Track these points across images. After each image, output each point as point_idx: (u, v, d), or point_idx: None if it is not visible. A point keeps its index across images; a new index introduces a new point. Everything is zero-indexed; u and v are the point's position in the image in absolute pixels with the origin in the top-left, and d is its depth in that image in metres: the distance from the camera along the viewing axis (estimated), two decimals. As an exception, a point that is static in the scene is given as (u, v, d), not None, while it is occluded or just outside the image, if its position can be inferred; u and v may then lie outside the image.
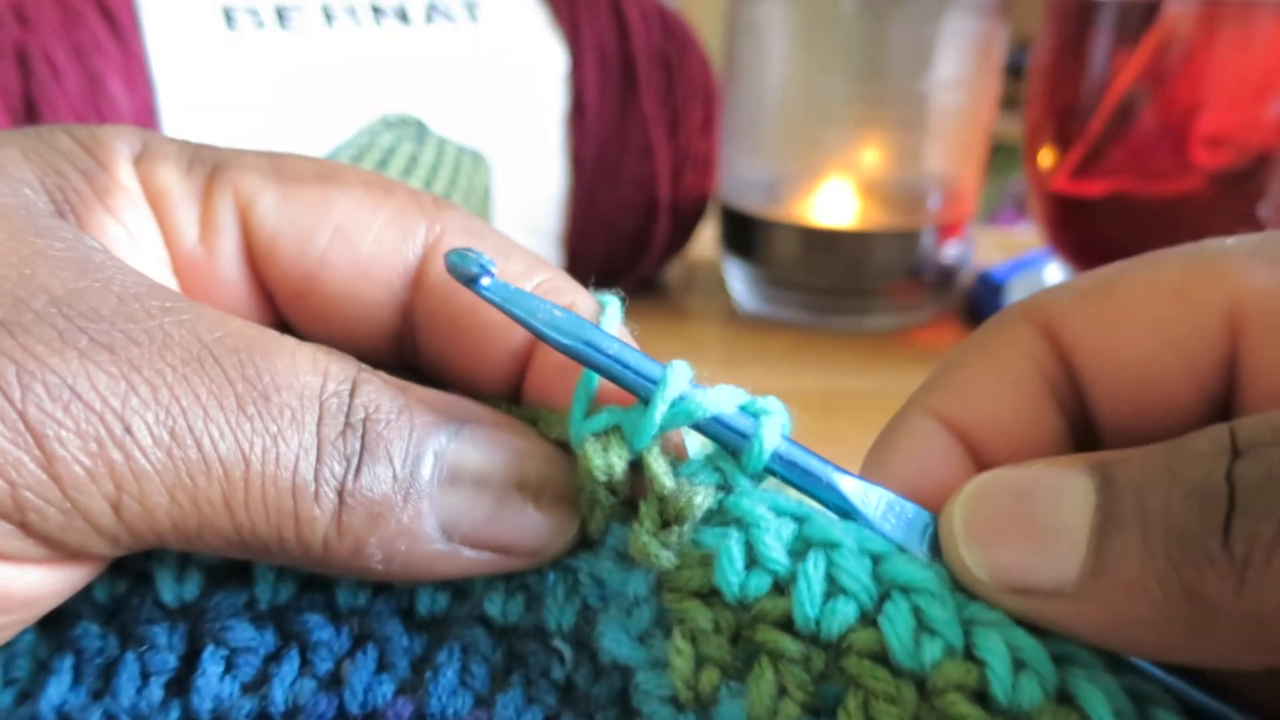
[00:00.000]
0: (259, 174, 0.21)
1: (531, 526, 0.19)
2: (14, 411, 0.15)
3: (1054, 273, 0.59)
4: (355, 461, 0.17)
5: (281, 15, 0.48)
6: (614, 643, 0.19)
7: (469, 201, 0.50)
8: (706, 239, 0.63)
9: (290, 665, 0.19)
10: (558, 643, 0.19)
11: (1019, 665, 0.16)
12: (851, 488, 0.19)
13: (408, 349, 0.22)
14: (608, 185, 0.55)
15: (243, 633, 0.19)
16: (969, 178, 0.57)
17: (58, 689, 0.19)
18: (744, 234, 0.58)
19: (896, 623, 0.16)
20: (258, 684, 0.19)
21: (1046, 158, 0.55)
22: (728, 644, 0.18)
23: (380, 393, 0.18)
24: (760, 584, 0.17)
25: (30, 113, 0.43)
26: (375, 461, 0.18)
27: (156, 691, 0.19)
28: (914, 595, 0.17)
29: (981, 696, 0.16)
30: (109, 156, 0.20)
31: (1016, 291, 0.58)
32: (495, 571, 0.19)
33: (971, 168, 0.57)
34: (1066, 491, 0.16)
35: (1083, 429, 0.20)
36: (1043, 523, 0.16)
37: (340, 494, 0.17)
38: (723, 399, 0.19)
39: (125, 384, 0.16)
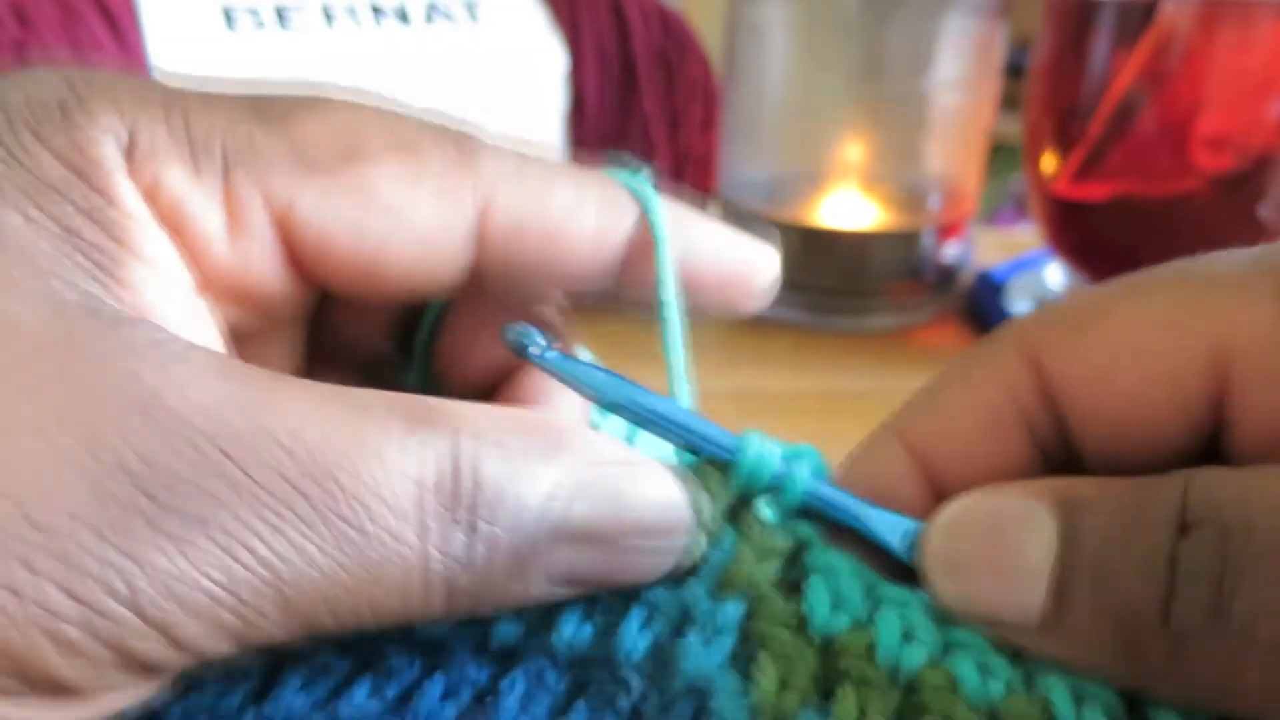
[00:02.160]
0: (283, 168, 0.19)
1: (640, 565, 0.19)
2: (136, 618, 0.15)
3: (1054, 273, 0.59)
4: (464, 552, 0.17)
5: (281, 15, 0.48)
6: (696, 664, 0.19)
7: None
8: (706, 239, 0.63)
9: (361, 690, 0.19)
10: (626, 672, 0.20)
11: (1079, 699, 0.17)
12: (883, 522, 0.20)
13: (479, 290, 0.22)
14: (608, 185, 0.55)
15: (323, 655, 0.20)
16: (969, 178, 0.57)
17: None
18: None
19: (962, 665, 0.18)
20: (327, 700, 0.19)
21: (1047, 159, 0.55)
22: (810, 672, 0.19)
23: (486, 462, 0.17)
24: (841, 622, 0.19)
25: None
26: (484, 547, 0.17)
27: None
28: (971, 650, 0.18)
29: None
30: (105, 178, 0.18)
31: (1016, 291, 0.58)
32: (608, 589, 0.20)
33: (971, 168, 0.57)
34: (1032, 532, 0.17)
35: (1060, 459, 0.20)
36: (1008, 561, 0.17)
37: (449, 584, 0.17)
38: (800, 467, 0.21)
39: (228, 557, 0.16)
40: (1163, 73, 0.49)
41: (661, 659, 0.19)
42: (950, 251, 0.57)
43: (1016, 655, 0.18)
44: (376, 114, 0.21)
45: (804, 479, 0.21)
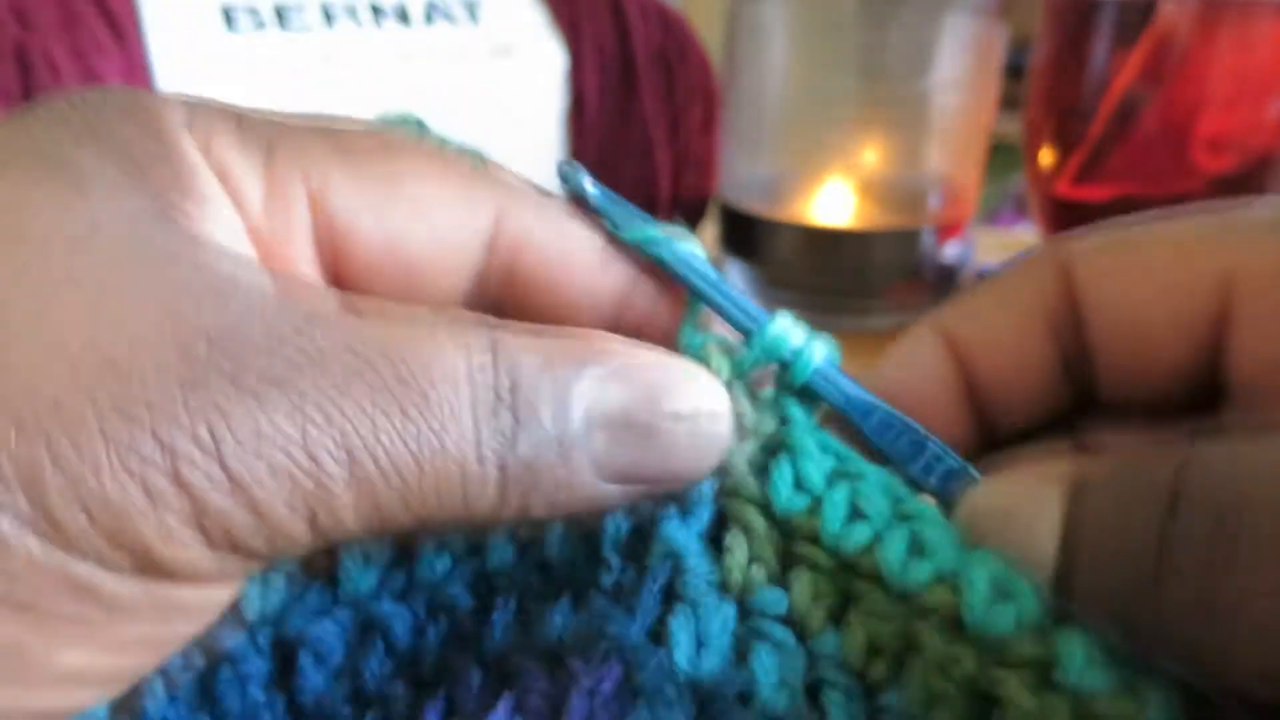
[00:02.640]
0: (323, 153, 0.21)
1: (685, 453, 0.20)
2: (218, 468, 0.16)
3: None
4: (510, 432, 0.18)
5: (281, 15, 0.48)
6: (673, 531, 0.20)
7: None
8: (706, 239, 0.63)
9: (375, 651, 0.21)
10: (607, 552, 0.21)
11: (999, 595, 0.17)
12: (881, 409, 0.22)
13: (487, 309, 0.22)
14: (608, 185, 0.55)
15: (327, 633, 0.21)
16: (969, 178, 0.57)
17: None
18: (744, 234, 0.58)
19: (890, 546, 0.18)
20: (347, 672, 0.21)
21: (1047, 159, 0.55)
22: (773, 550, 0.20)
23: (520, 351, 0.19)
24: (800, 503, 0.20)
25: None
26: (528, 427, 0.18)
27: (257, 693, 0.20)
28: (916, 524, 0.19)
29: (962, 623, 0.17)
30: (172, 133, 0.20)
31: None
32: (650, 497, 0.20)
33: (971, 168, 0.57)
34: (1039, 520, 0.18)
35: (1077, 359, 0.22)
36: (1018, 548, 0.18)
37: (502, 469, 0.18)
38: (798, 334, 0.22)
39: (301, 415, 0.17)
40: (1162, 73, 0.49)
41: (643, 535, 0.21)
42: (950, 251, 0.57)
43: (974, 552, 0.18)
44: (416, 139, 0.23)
45: (816, 360, 0.22)
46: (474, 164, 0.23)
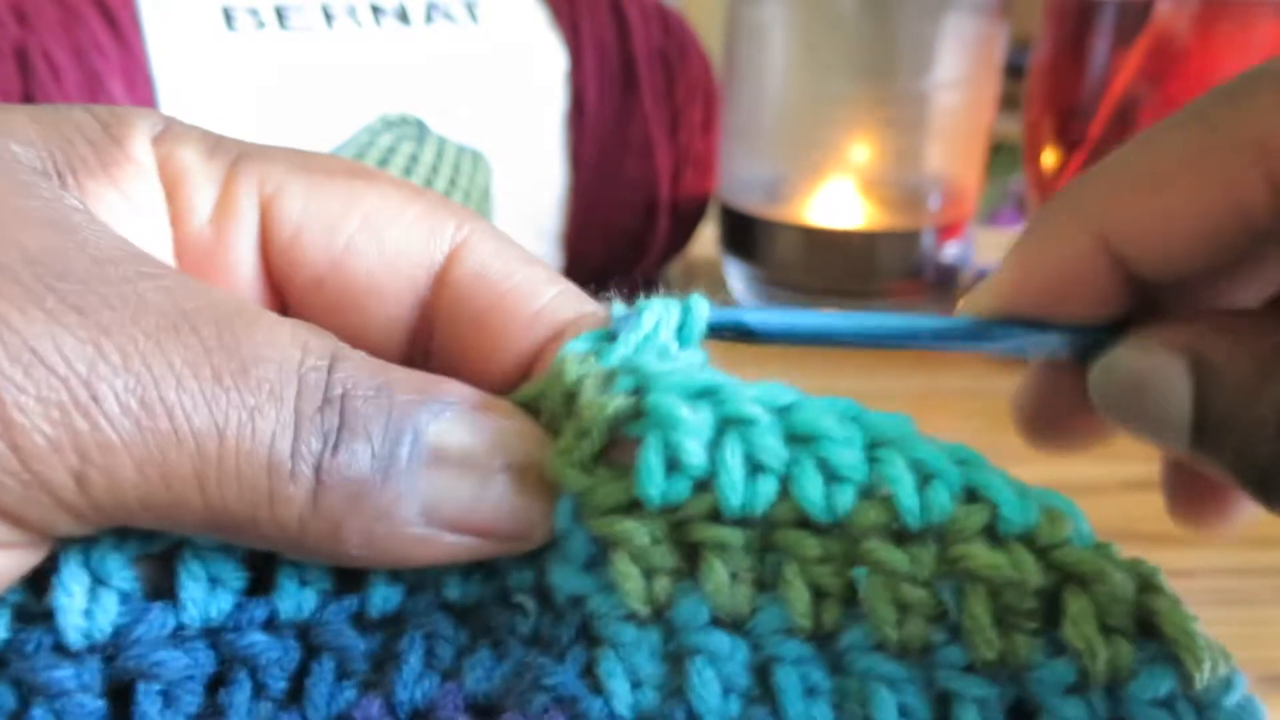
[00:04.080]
0: (286, 165, 0.20)
1: (516, 510, 0.18)
2: None
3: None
4: (333, 439, 0.17)
5: (281, 15, 0.48)
6: (561, 578, 0.19)
7: (469, 201, 0.50)
8: (706, 239, 0.63)
9: (241, 691, 0.18)
10: (519, 598, 0.19)
11: (924, 480, 0.17)
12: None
13: (420, 347, 0.21)
14: (608, 185, 0.55)
15: (175, 662, 0.18)
16: (969, 178, 0.57)
17: None
18: (744, 234, 0.58)
19: (804, 484, 0.17)
20: (210, 716, 0.18)
21: (1047, 159, 0.55)
22: (669, 550, 0.18)
23: (360, 369, 0.18)
24: (682, 488, 0.17)
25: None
26: (354, 439, 0.17)
27: None
28: (817, 446, 0.17)
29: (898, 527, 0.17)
30: (124, 131, 0.19)
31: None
32: (477, 557, 0.19)
33: (971, 168, 0.57)
34: (1170, 393, 0.19)
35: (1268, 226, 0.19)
36: (1152, 418, 0.19)
37: (317, 471, 0.17)
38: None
39: (93, 348, 0.15)
40: (1161, 73, 0.49)
41: (542, 580, 0.19)
42: (950, 251, 0.57)
43: (875, 434, 0.18)
44: (397, 176, 0.23)
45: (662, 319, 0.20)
46: (449, 200, 0.22)
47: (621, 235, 0.57)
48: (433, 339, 0.21)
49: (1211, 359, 0.18)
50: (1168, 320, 0.20)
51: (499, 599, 0.19)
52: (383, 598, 0.19)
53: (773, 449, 0.17)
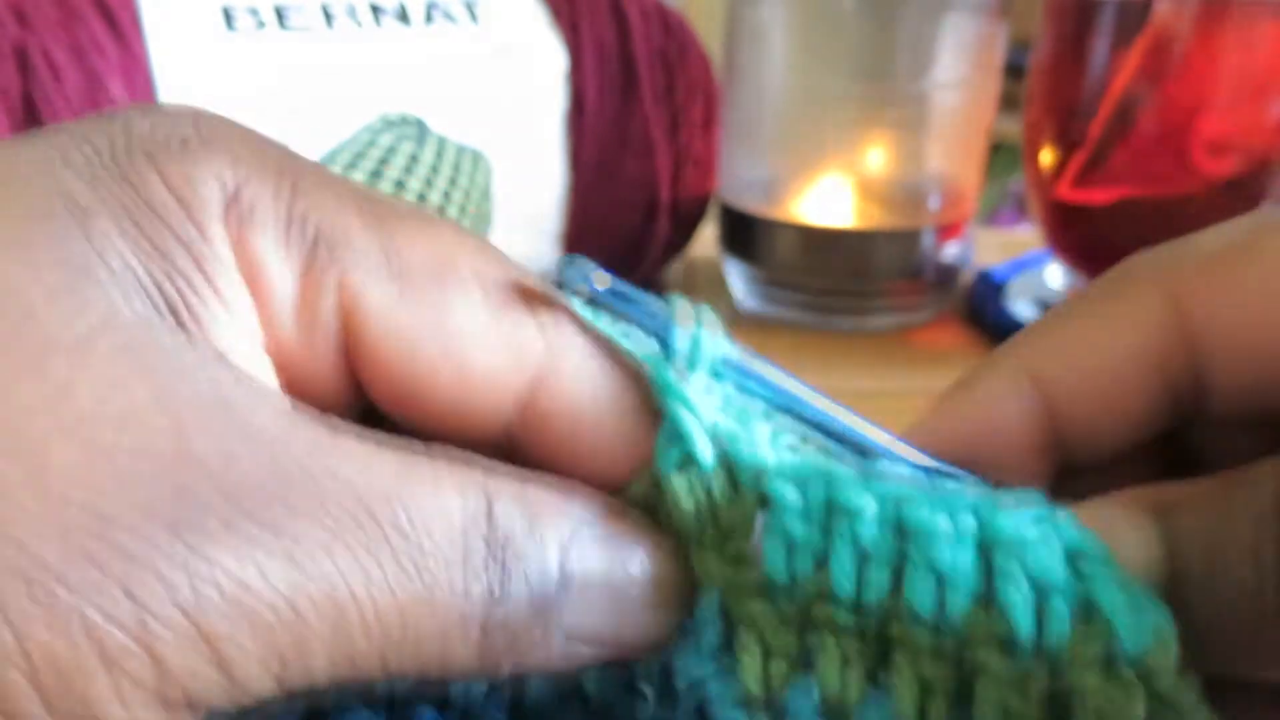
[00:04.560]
0: (368, 261, 0.19)
1: (651, 624, 0.19)
2: (190, 625, 0.15)
3: (1054, 273, 0.59)
4: (496, 590, 0.18)
5: (281, 15, 0.48)
6: (686, 664, 0.19)
7: (469, 201, 0.50)
8: (706, 239, 0.63)
9: None
10: (642, 685, 0.20)
11: (1040, 596, 0.16)
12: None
13: (511, 457, 0.21)
14: (608, 185, 0.55)
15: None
16: (969, 178, 0.57)
17: None
18: (744, 234, 0.58)
19: (915, 585, 0.17)
20: None
21: (1047, 159, 0.55)
22: (793, 632, 0.18)
23: (511, 506, 0.18)
24: (805, 564, 0.18)
25: (30, 113, 0.43)
26: (513, 584, 0.18)
27: None
28: (928, 544, 0.17)
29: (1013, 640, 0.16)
30: (204, 213, 0.18)
31: (1017, 291, 0.58)
32: (612, 660, 0.20)
33: (971, 168, 0.57)
34: (1135, 537, 0.17)
35: (1185, 391, 0.19)
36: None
37: (484, 628, 0.17)
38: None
39: (292, 566, 0.15)
40: (1160, 74, 0.49)
41: (665, 665, 0.20)
42: (950, 251, 0.57)
43: (992, 532, 0.16)
44: (478, 244, 0.21)
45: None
46: (536, 303, 0.20)
47: (621, 235, 0.57)
48: (518, 453, 0.21)
49: (1165, 497, 0.17)
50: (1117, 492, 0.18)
51: (625, 687, 0.20)
52: (536, 689, 0.21)
53: (881, 541, 0.17)
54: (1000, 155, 0.63)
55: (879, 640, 0.18)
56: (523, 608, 0.18)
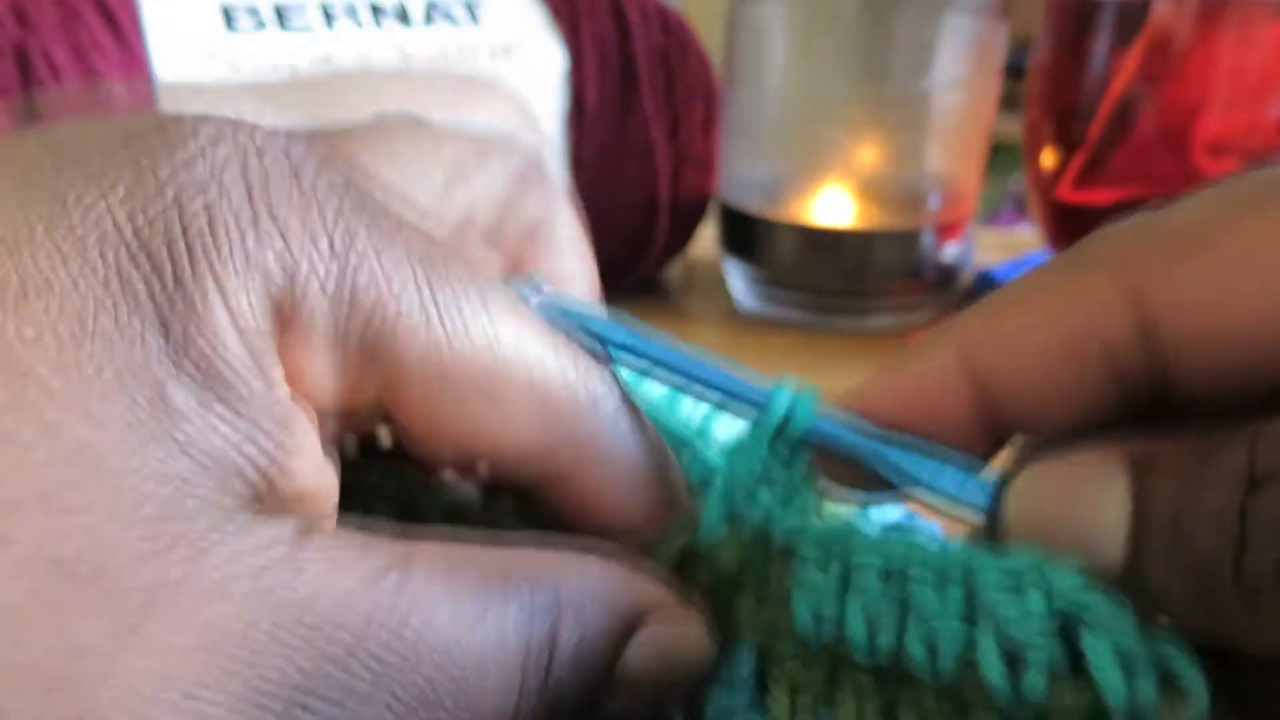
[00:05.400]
0: (411, 359, 0.18)
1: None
2: None
3: (1054, 273, 0.59)
4: (547, 702, 0.18)
5: (281, 15, 0.48)
6: (718, 695, 0.20)
7: (469, 201, 0.50)
8: (706, 239, 0.63)
9: None
10: (672, 710, 0.20)
11: (1128, 666, 0.16)
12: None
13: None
14: (608, 185, 0.55)
15: None
16: (969, 178, 0.57)
17: None
18: (744, 234, 0.58)
19: (912, 641, 0.18)
20: None
21: (1048, 161, 0.55)
22: (819, 671, 0.19)
23: (572, 635, 0.18)
24: (828, 613, 0.19)
25: (30, 113, 0.43)
26: (557, 695, 0.18)
27: None
28: (922, 610, 0.18)
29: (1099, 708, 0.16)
30: (262, 353, 0.16)
31: (1016, 292, 0.58)
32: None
33: (971, 168, 0.57)
34: (1106, 492, 0.17)
35: (1149, 400, 0.18)
36: (1085, 523, 0.17)
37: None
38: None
39: None
40: (1159, 74, 0.49)
41: (693, 695, 0.20)
42: (950, 251, 0.57)
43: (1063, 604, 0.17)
44: (531, 323, 0.20)
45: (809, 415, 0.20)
46: (559, 393, 0.20)
47: (621, 235, 0.57)
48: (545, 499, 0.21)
49: (1149, 465, 0.17)
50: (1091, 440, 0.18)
51: (652, 713, 0.21)
52: None
53: (884, 600, 0.18)
54: (1000, 155, 0.63)
55: (893, 680, 0.18)
56: (564, 707, 0.18)
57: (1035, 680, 0.17)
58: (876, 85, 0.54)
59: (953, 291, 0.59)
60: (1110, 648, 0.16)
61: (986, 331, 0.19)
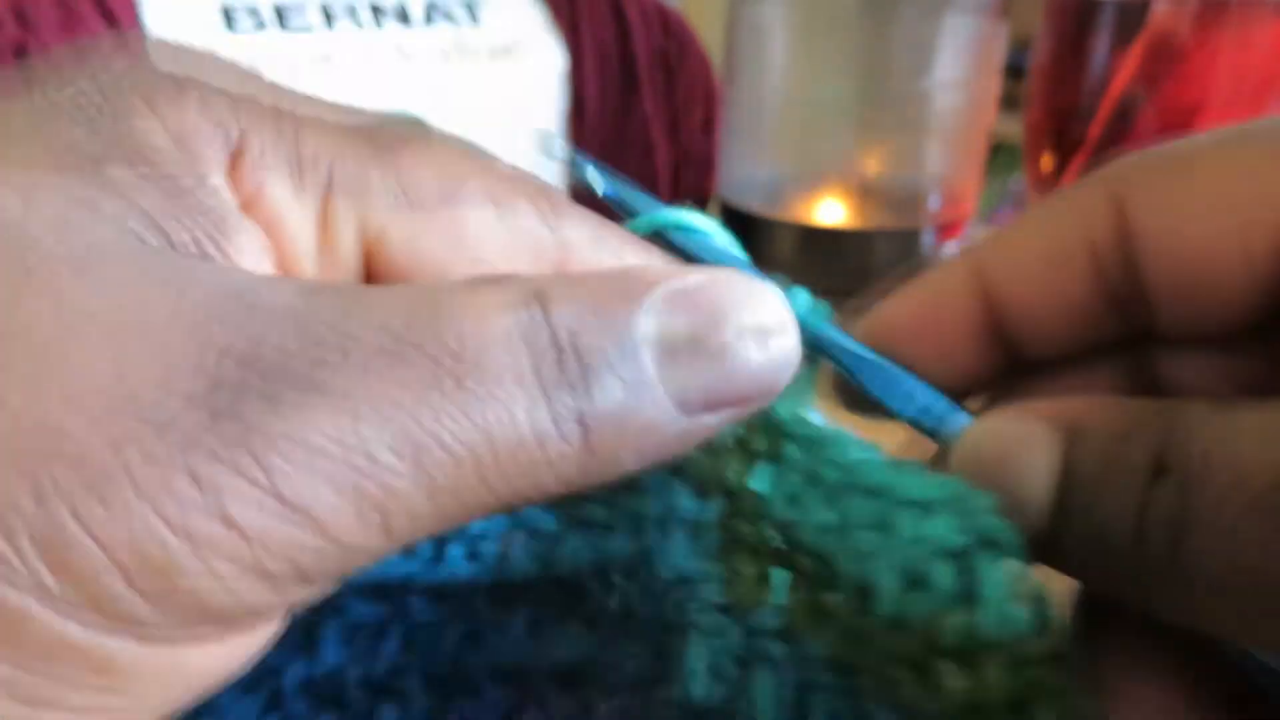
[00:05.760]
0: (384, 200, 0.19)
1: (760, 368, 0.19)
2: (271, 497, 0.15)
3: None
4: (582, 385, 0.17)
5: (281, 15, 0.48)
6: (678, 560, 0.20)
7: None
8: (706, 239, 0.63)
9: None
10: (614, 576, 0.20)
11: (1011, 597, 0.17)
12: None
13: None
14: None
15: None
16: (969, 178, 0.57)
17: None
18: (744, 234, 0.58)
19: (882, 576, 0.18)
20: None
21: (1047, 159, 0.55)
22: (768, 554, 0.19)
23: (568, 296, 0.17)
24: (787, 493, 0.19)
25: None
26: (599, 376, 0.17)
27: None
28: (902, 540, 0.18)
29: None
30: (209, 169, 0.18)
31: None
32: (737, 421, 0.19)
33: (971, 168, 0.57)
34: (1036, 460, 0.18)
35: (1128, 303, 0.20)
36: (1015, 488, 0.18)
37: (581, 421, 0.17)
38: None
39: (349, 417, 0.15)
40: (1159, 74, 0.49)
41: (647, 558, 0.20)
42: (950, 251, 0.57)
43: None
44: (477, 159, 0.21)
45: (828, 329, 0.21)
46: (540, 202, 0.21)
47: (621, 235, 0.57)
48: None
49: (1080, 419, 0.18)
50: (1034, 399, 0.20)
51: (599, 573, 0.21)
52: (517, 566, 0.21)
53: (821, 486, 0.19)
54: (1000, 155, 0.63)
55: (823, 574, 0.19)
56: (618, 395, 0.17)
57: (921, 600, 0.17)
58: (876, 85, 0.54)
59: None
60: (999, 578, 0.17)
61: (995, 247, 0.21)
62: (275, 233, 0.19)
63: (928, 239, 0.56)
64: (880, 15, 0.53)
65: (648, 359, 0.17)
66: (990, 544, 0.17)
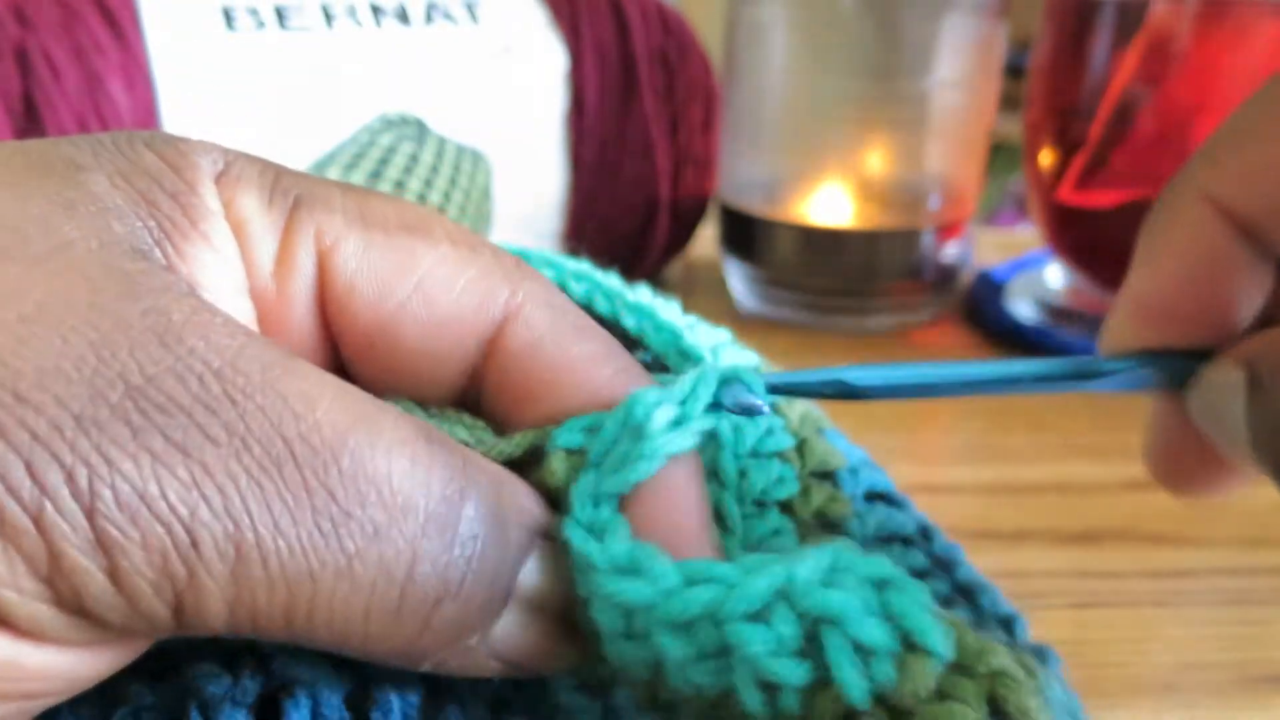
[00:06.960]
0: (344, 216, 0.20)
1: (556, 654, 0.19)
2: (85, 522, 0.15)
3: (1054, 273, 0.59)
4: (454, 590, 0.17)
5: (281, 15, 0.48)
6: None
7: (469, 201, 0.50)
8: (706, 239, 0.63)
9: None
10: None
11: (867, 656, 0.16)
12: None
13: (469, 409, 0.21)
14: (608, 185, 0.55)
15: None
16: (969, 178, 0.57)
17: None
18: (744, 234, 0.58)
19: (746, 692, 0.17)
20: None
21: (1047, 159, 0.55)
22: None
23: (483, 508, 0.17)
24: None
25: (30, 113, 0.43)
26: (471, 591, 0.17)
27: None
28: (750, 656, 0.17)
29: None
30: (195, 175, 0.19)
31: (1016, 292, 0.58)
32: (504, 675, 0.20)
33: (971, 168, 0.57)
34: (1229, 405, 0.19)
35: None
36: (1221, 428, 0.20)
37: (426, 621, 0.17)
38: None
39: (196, 492, 0.15)
40: (1159, 74, 0.49)
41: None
42: (950, 251, 0.57)
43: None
44: (447, 220, 0.22)
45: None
46: (504, 257, 0.21)
47: (621, 235, 0.57)
48: (481, 404, 0.21)
49: (1259, 370, 0.19)
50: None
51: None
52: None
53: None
54: (1000, 155, 0.63)
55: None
56: (470, 614, 0.17)
57: (789, 699, 0.16)
58: (876, 85, 0.54)
59: (953, 291, 0.59)
60: (848, 646, 0.16)
61: (1226, 171, 0.21)
62: (240, 235, 0.19)
63: (928, 239, 0.56)
64: (880, 15, 0.53)
65: (502, 601, 0.18)
66: (822, 621, 0.16)
